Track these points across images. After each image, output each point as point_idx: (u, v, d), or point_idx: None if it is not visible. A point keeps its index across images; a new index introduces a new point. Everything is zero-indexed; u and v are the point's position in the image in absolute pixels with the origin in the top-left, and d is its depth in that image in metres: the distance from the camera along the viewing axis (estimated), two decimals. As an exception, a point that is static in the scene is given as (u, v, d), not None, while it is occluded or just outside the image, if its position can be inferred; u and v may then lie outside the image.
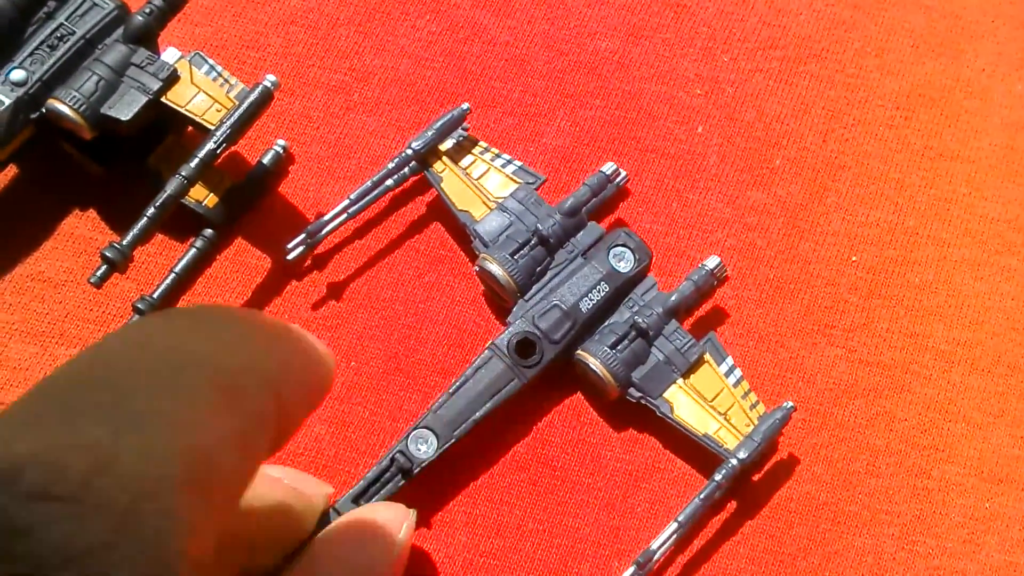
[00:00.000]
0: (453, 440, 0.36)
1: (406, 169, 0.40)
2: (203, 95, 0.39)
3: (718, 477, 0.35)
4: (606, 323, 0.38)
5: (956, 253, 0.41)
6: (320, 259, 0.40)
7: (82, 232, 0.40)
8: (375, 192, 0.40)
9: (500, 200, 0.39)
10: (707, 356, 0.38)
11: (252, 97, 0.37)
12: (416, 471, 0.35)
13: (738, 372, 0.38)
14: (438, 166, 0.40)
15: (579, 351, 0.38)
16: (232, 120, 0.37)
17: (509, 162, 0.41)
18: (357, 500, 0.35)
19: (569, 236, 0.39)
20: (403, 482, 0.35)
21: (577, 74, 0.44)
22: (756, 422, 0.36)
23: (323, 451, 0.38)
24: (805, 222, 0.42)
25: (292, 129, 0.42)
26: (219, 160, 0.38)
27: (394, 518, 0.32)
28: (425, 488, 0.37)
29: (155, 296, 0.39)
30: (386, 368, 0.39)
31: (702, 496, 0.35)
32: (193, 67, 0.39)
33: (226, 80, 0.40)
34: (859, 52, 0.44)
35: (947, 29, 0.45)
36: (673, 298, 0.38)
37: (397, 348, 0.39)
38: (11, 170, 0.41)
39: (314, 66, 0.43)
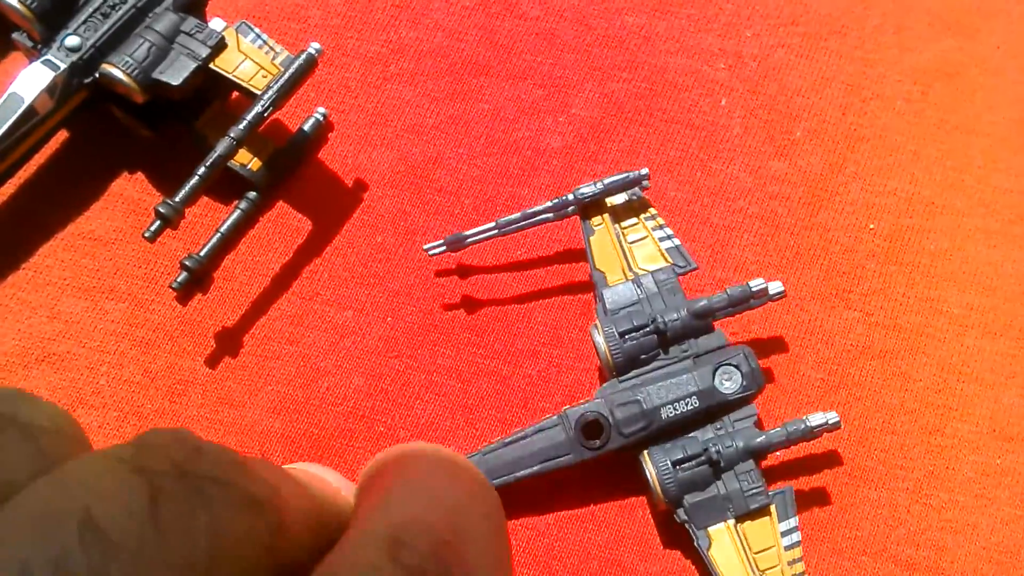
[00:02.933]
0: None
1: (569, 209, 0.40)
2: (250, 62, 0.40)
3: None
4: (685, 436, 0.37)
5: (970, 222, 0.43)
6: (362, 224, 0.42)
7: (131, 193, 0.42)
8: (528, 222, 0.40)
9: (640, 274, 0.39)
10: (773, 508, 0.36)
11: (298, 63, 0.39)
12: None
13: (797, 536, 0.36)
14: (596, 220, 0.40)
15: (644, 452, 0.37)
16: (279, 85, 0.39)
17: (669, 238, 0.40)
18: None
19: (689, 336, 0.38)
20: None
21: (605, 48, 0.45)
22: None
23: (360, 402, 0.40)
24: (825, 191, 0.43)
25: (331, 98, 0.44)
26: (264, 125, 0.40)
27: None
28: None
29: (201, 254, 0.40)
30: (421, 324, 0.41)
31: None
32: (240, 35, 0.41)
33: (271, 48, 0.42)
34: (878, 29, 0.46)
35: (963, 7, 0.46)
36: (760, 440, 0.36)
37: (432, 305, 0.41)
38: (63, 134, 0.42)
39: (352, 38, 0.45)
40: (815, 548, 0.38)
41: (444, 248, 0.41)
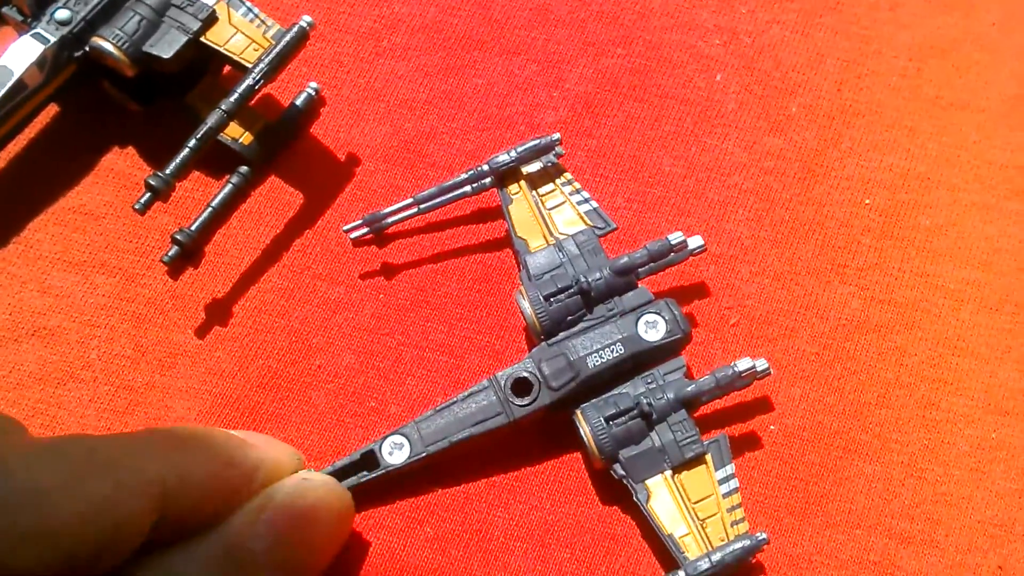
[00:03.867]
0: (424, 455, 0.36)
1: (487, 180, 0.40)
2: (241, 35, 0.40)
3: None
4: (616, 391, 0.37)
5: (966, 197, 0.43)
6: (354, 199, 0.42)
7: (121, 167, 0.42)
8: (446, 197, 0.40)
9: (561, 238, 0.39)
10: (709, 457, 0.36)
11: (289, 36, 0.39)
12: (381, 473, 0.36)
13: (734, 483, 0.36)
14: (513, 188, 0.40)
15: (577, 411, 0.37)
16: (270, 57, 0.39)
17: (586, 201, 0.40)
18: None
19: (614, 294, 0.37)
20: (368, 477, 0.36)
21: (599, 23, 0.45)
22: (731, 539, 0.35)
23: (352, 379, 0.39)
24: (820, 167, 0.43)
25: (323, 73, 0.44)
26: (256, 98, 0.39)
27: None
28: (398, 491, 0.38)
29: (193, 228, 0.40)
30: (413, 300, 0.40)
31: None
32: (231, 8, 0.41)
33: (262, 21, 0.41)
34: (873, 5, 0.46)
35: (959, -17, 0.46)
36: (690, 389, 0.36)
37: (423, 281, 0.41)
38: (53, 108, 0.42)
39: (344, 13, 0.45)
40: (809, 521, 0.38)
41: (365, 230, 0.41)
